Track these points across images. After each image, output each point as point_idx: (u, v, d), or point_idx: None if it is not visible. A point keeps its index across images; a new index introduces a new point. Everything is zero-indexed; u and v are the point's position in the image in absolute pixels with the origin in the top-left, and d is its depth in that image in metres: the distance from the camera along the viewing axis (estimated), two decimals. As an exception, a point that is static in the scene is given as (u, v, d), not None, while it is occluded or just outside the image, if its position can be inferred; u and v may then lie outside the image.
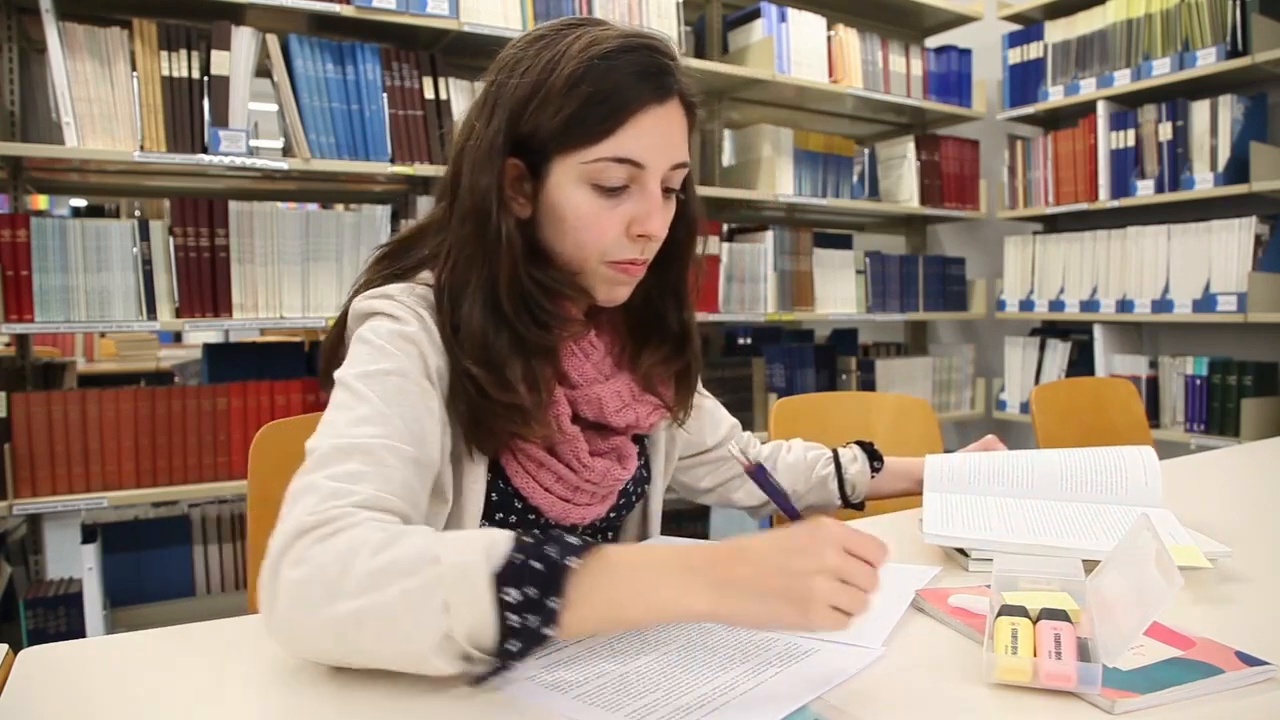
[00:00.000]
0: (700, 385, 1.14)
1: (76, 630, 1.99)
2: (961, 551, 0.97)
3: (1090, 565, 0.80)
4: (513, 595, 0.61)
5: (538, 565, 0.62)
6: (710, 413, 1.20)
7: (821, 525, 0.66)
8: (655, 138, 0.84)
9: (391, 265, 0.94)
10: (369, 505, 0.69)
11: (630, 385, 0.96)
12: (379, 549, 0.63)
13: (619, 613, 0.64)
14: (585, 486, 0.92)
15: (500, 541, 0.64)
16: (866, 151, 3.22)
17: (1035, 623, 0.68)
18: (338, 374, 0.81)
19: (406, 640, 0.61)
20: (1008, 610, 0.70)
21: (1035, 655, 0.65)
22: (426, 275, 0.90)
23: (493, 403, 0.83)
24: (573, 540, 0.65)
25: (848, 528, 0.67)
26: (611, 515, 0.99)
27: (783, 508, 0.73)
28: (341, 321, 0.91)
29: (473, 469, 0.87)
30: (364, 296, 0.87)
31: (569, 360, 0.91)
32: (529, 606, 0.61)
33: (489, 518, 0.90)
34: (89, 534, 2.05)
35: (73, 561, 2.07)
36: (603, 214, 0.85)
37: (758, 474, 0.73)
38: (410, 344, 0.82)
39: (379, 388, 0.78)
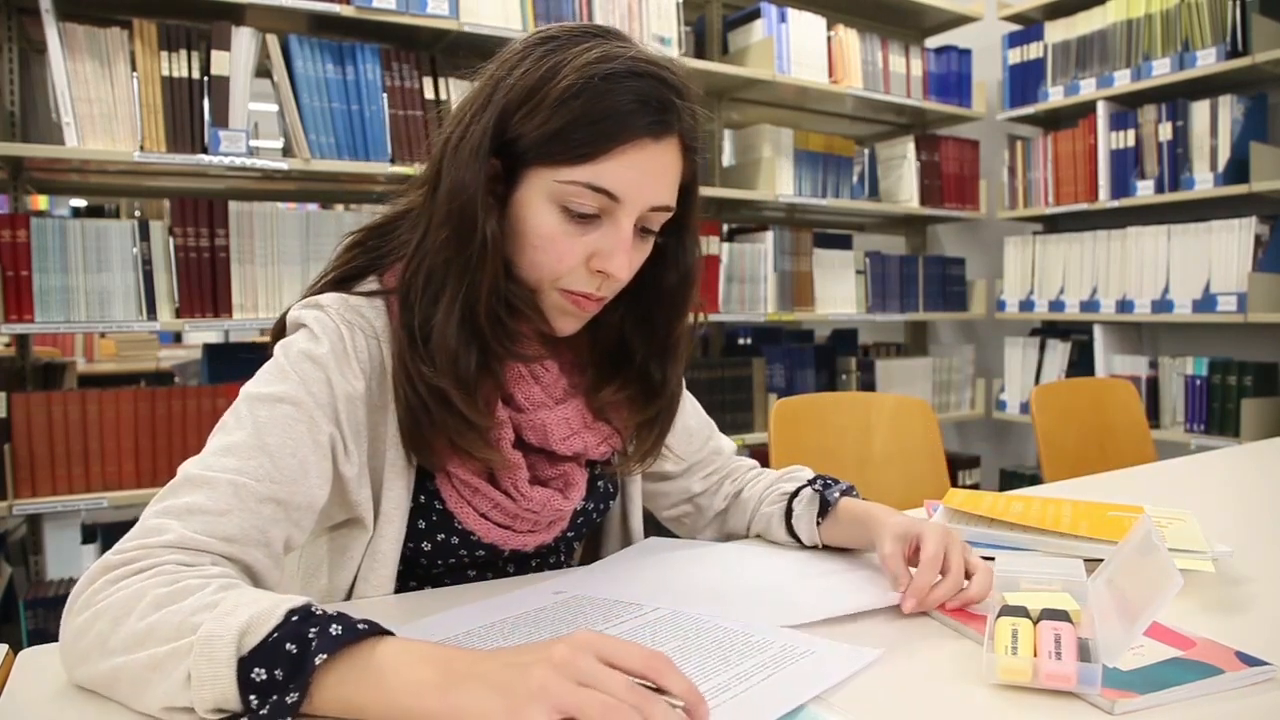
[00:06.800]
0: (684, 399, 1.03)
1: (76, 630, 1.98)
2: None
3: (1091, 565, 0.80)
4: (260, 675, 0.56)
5: (291, 648, 0.56)
6: (682, 438, 1.05)
7: (576, 634, 0.56)
8: (640, 174, 0.78)
9: (364, 255, 0.88)
10: (180, 545, 0.66)
11: (582, 412, 0.89)
12: (154, 607, 0.60)
13: (360, 712, 0.57)
14: (524, 515, 0.87)
15: (269, 615, 0.58)
16: (866, 151, 3.22)
17: (1036, 623, 0.68)
18: (243, 388, 0.77)
19: (155, 703, 0.58)
20: (1008, 610, 0.70)
21: (1035, 655, 0.65)
22: (371, 282, 0.85)
23: (458, 420, 0.78)
24: (357, 622, 0.58)
25: (610, 640, 0.56)
26: (570, 535, 0.95)
27: None
28: (279, 330, 0.86)
29: (392, 495, 0.83)
30: (299, 305, 0.82)
31: (516, 383, 0.86)
32: (272, 689, 0.56)
33: (430, 539, 0.87)
34: (89, 534, 2.05)
35: (73, 561, 2.08)
36: (564, 239, 0.79)
37: None
38: (316, 367, 0.77)
39: (264, 414, 0.74)
